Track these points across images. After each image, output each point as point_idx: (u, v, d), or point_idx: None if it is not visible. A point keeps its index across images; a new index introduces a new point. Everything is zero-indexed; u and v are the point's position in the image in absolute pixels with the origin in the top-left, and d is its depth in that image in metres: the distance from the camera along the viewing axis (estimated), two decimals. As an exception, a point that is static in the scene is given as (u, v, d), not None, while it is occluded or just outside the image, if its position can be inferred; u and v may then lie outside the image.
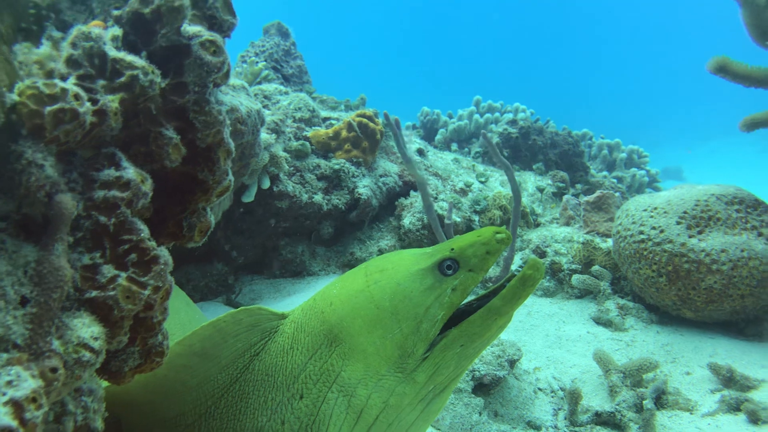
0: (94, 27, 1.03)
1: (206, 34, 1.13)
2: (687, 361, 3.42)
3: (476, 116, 7.66)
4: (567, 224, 4.82)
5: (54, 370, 0.89)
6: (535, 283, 1.47)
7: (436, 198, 4.86)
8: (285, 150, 4.27)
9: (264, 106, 4.57)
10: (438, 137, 7.47)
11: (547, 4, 57.01)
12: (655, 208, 3.78)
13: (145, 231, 1.04)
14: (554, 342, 3.72)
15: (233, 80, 3.12)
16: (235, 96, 2.92)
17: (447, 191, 5.06)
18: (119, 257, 1.01)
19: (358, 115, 4.64)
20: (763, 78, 3.63)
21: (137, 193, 1.03)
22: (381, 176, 4.80)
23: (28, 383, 0.83)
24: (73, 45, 0.99)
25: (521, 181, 5.97)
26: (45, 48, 1.03)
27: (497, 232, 1.49)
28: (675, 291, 3.61)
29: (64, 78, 0.99)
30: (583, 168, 7.17)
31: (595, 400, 3.15)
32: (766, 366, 3.25)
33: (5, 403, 0.79)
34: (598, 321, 3.92)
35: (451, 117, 8.00)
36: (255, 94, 4.63)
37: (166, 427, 1.48)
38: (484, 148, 6.79)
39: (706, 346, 3.54)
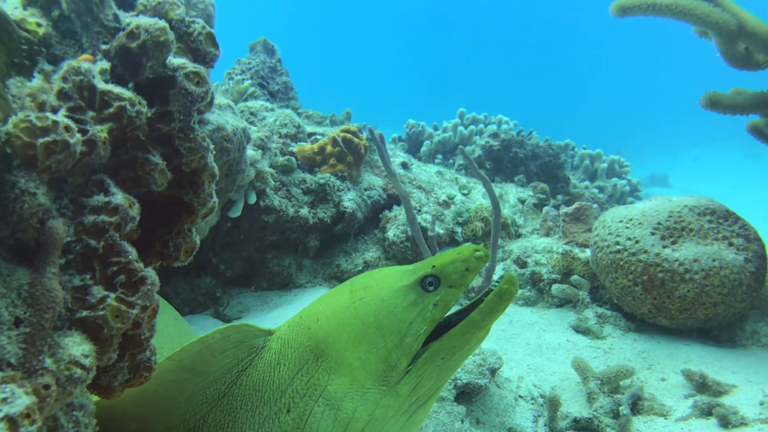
0: (84, 61, 1.08)
1: (190, 66, 1.18)
2: (662, 368, 3.48)
3: (460, 128, 7.74)
4: (547, 235, 4.89)
5: (47, 387, 0.93)
6: (511, 297, 1.52)
7: (419, 210, 4.92)
8: (271, 165, 4.31)
9: (250, 123, 4.61)
10: (423, 149, 7.53)
11: (534, 14, 57.23)
12: (631, 220, 3.86)
13: (132, 253, 1.08)
14: (535, 350, 3.77)
15: (219, 99, 3.16)
16: (222, 115, 2.97)
17: (430, 204, 5.12)
18: (108, 278, 1.05)
19: (343, 131, 4.69)
20: (748, 104, 3.72)
21: (125, 218, 1.08)
22: (366, 190, 4.86)
23: (22, 400, 0.87)
24: (64, 79, 1.04)
25: (503, 192, 6.04)
26: (37, 81, 1.08)
27: (476, 250, 1.54)
28: (650, 300, 3.68)
29: (55, 110, 1.03)
30: (564, 179, 7.26)
31: (574, 407, 3.20)
32: (738, 371, 3.32)
33: (1, 419, 0.83)
34: (578, 329, 3.98)
35: (436, 129, 8.07)
36: (241, 111, 4.67)
37: None
38: (466, 162, 6.87)
39: (680, 352, 3.61)
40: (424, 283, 1.48)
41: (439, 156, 7.44)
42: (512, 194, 6.02)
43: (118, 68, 1.13)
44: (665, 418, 3.02)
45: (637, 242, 3.73)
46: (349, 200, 4.63)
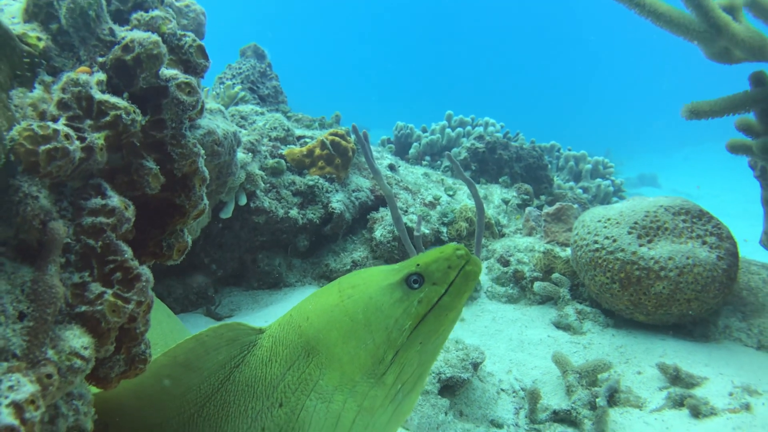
0: (82, 73, 1.13)
1: (182, 77, 1.24)
2: (639, 362, 3.57)
3: (448, 130, 7.81)
4: (529, 234, 4.97)
5: (49, 376, 0.98)
6: (476, 277, 1.58)
7: (406, 211, 4.98)
8: (261, 168, 4.36)
9: (240, 126, 4.66)
10: (412, 151, 7.59)
11: (527, 16, 57.15)
12: (609, 219, 3.94)
13: (128, 252, 1.14)
14: (517, 346, 3.85)
15: (210, 104, 3.21)
16: (212, 119, 3.02)
17: (417, 204, 5.18)
18: (106, 276, 1.11)
19: (331, 134, 4.75)
20: (728, 106, 3.79)
21: (121, 219, 1.14)
22: (354, 191, 4.92)
23: (26, 388, 0.92)
24: (63, 90, 1.10)
25: (488, 193, 6.11)
26: (37, 91, 1.13)
27: (457, 249, 1.59)
28: (627, 296, 3.76)
29: (55, 119, 1.09)
30: (548, 180, 7.34)
31: (554, 399, 3.28)
32: (710, 364, 3.40)
33: (8, 405, 0.88)
34: (558, 325, 4.06)
35: (425, 131, 8.13)
36: (232, 115, 4.72)
37: (153, 431, 1.56)
38: (452, 164, 6.95)
39: (656, 347, 3.69)
40: (409, 281, 1.53)
41: (427, 158, 7.50)
42: (497, 195, 6.10)
43: (114, 79, 1.19)
44: (640, 410, 3.10)
45: (614, 241, 3.81)
46: (337, 201, 4.69)
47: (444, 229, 4.96)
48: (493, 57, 57.48)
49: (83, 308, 1.08)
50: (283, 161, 4.54)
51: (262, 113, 4.93)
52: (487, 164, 6.95)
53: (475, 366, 3.22)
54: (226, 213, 3.97)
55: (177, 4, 2.74)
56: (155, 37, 1.18)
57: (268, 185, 4.43)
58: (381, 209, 4.92)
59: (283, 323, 1.60)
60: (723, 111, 3.85)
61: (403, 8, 60.24)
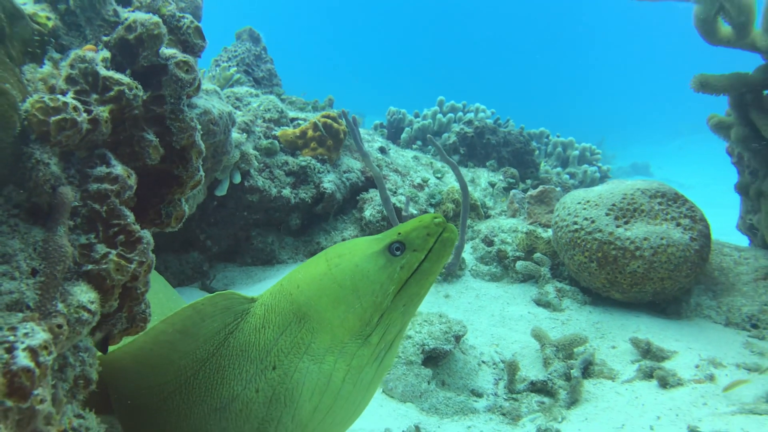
0: (88, 51, 1.20)
1: (180, 56, 1.31)
2: (613, 337, 3.68)
3: (439, 116, 7.86)
4: (513, 216, 5.06)
5: (59, 326, 1.06)
6: (453, 243, 1.67)
7: (395, 192, 5.06)
8: (255, 148, 4.43)
9: (235, 108, 4.71)
10: (404, 135, 7.64)
11: (525, 5, 56.60)
12: (588, 201, 4.03)
13: (131, 217, 1.22)
14: (499, 321, 3.95)
15: (207, 85, 3.27)
16: (209, 100, 3.08)
17: (406, 186, 5.26)
18: (110, 238, 1.19)
19: (323, 116, 4.81)
20: (729, 84, 3.88)
21: (124, 186, 1.21)
22: (345, 172, 4.99)
23: (40, 335, 1.00)
24: (72, 66, 1.17)
25: (475, 176, 6.19)
26: (47, 67, 1.20)
27: (435, 217, 1.68)
28: (604, 275, 3.87)
29: (64, 93, 1.16)
30: (534, 165, 7.43)
31: (532, 371, 3.39)
32: (680, 339, 3.52)
33: (24, 349, 0.96)
34: (539, 302, 4.16)
35: (417, 116, 8.17)
36: (227, 96, 4.77)
37: (152, 393, 1.63)
38: (442, 146, 7.02)
39: (631, 323, 3.80)
40: (392, 249, 1.61)
41: (419, 142, 7.56)
42: (483, 178, 6.18)
43: (118, 57, 1.26)
44: (613, 381, 3.21)
45: (593, 222, 3.91)
46: (328, 182, 4.76)
47: (431, 210, 5.04)
48: (490, 45, 56.75)
49: (90, 267, 1.16)
50: (276, 142, 4.60)
51: (257, 95, 4.98)
52: (476, 149, 7.03)
53: (457, 338, 3.32)
54: (221, 190, 4.04)
55: (175, -13, 2.78)
56: (156, 18, 1.25)
57: (261, 165, 4.49)
58: (371, 190, 5.00)
59: (275, 292, 1.67)
60: (730, 89, 3.95)
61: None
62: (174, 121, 1.33)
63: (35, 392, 0.97)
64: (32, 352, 0.98)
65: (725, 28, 3.87)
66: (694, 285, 4.01)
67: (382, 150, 5.79)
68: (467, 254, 4.71)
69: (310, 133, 4.71)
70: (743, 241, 4.97)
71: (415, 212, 4.85)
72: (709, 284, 4.07)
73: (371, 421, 2.77)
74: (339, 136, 4.86)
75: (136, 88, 1.23)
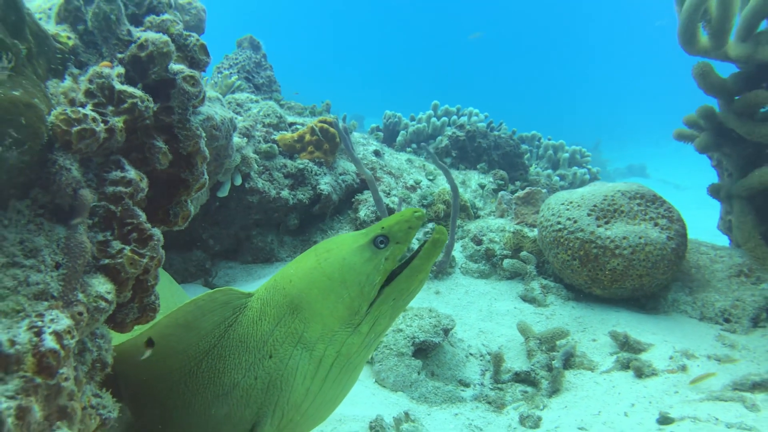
0: (105, 67, 1.30)
1: (187, 71, 1.41)
2: (594, 331, 3.78)
3: (433, 119, 7.94)
4: (501, 216, 5.17)
5: (80, 314, 1.16)
6: (443, 244, 1.74)
7: (388, 194, 5.16)
8: (255, 152, 4.52)
9: (236, 113, 4.81)
10: (399, 138, 7.73)
11: (524, 7, 56.19)
12: (571, 202, 4.14)
13: (143, 216, 1.32)
14: (486, 316, 4.05)
15: (209, 92, 3.37)
16: (211, 106, 3.18)
17: (399, 188, 5.36)
18: (124, 235, 1.29)
19: (320, 121, 4.91)
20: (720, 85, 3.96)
21: (137, 189, 1.31)
22: (341, 174, 5.09)
23: (64, 321, 1.10)
24: (90, 81, 1.27)
25: (466, 178, 6.29)
26: (68, 82, 1.30)
27: (415, 212, 1.75)
28: (586, 272, 3.98)
29: (83, 105, 1.26)
30: (523, 167, 7.54)
31: (517, 363, 3.49)
32: (657, 333, 3.62)
33: (50, 333, 1.06)
34: (525, 298, 4.26)
35: (413, 119, 8.25)
36: (228, 102, 4.86)
37: (159, 381, 1.72)
38: (435, 150, 7.12)
39: (611, 318, 3.91)
40: (376, 242, 1.69)
41: (413, 145, 7.65)
42: (474, 180, 6.28)
43: (131, 72, 1.36)
44: (592, 371, 3.32)
45: (575, 222, 4.01)
46: (325, 183, 4.86)
47: (423, 211, 5.15)
48: (489, 47, 56.18)
49: (106, 261, 1.26)
50: (275, 146, 4.70)
51: (257, 101, 5.08)
52: (467, 151, 7.13)
53: (446, 331, 3.42)
54: (223, 192, 4.13)
55: (180, 1, 2.89)
56: (165, 38, 1.35)
57: (261, 168, 4.59)
58: (365, 191, 5.10)
59: (269, 287, 1.76)
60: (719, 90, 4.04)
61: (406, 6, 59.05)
62: (181, 129, 1.43)
63: (60, 371, 1.07)
64: (57, 335, 1.08)
65: (703, 38, 3.98)
66: (671, 281, 4.12)
67: (376, 153, 5.89)
68: (457, 252, 4.81)
69: (307, 137, 4.81)
70: (725, 240, 5.07)
71: (407, 213, 4.95)
72: (686, 281, 4.18)
73: (364, 408, 2.87)
74: (335, 140, 4.96)
75: (148, 100, 1.33)
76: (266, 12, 56.11)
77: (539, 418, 2.87)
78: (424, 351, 3.36)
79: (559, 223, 4.09)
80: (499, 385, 3.29)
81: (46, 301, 1.13)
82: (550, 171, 8.45)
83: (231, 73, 5.67)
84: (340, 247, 1.73)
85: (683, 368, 3.10)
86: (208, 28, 3.66)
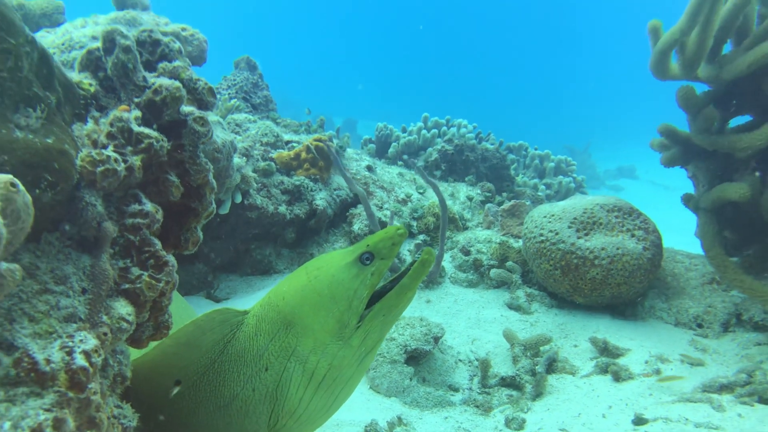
0: (123, 111, 1.42)
1: (197, 113, 1.52)
2: (576, 337, 3.90)
3: (424, 131, 8.05)
4: (488, 228, 5.29)
5: (105, 334, 1.27)
6: (431, 264, 1.82)
7: (381, 207, 5.28)
8: (254, 170, 4.63)
9: (235, 133, 4.92)
10: (391, 150, 7.83)
11: (513, 9, 55.49)
12: (553, 215, 4.27)
13: (158, 244, 1.43)
14: (474, 323, 4.16)
15: (211, 117, 3.47)
16: (213, 130, 3.28)
17: (391, 201, 5.48)
18: (143, 262, 1.40)
19: (315, 140, 5.03)
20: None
21: (153, 220, 1.42)
22: (335, 190, 5.20)
23: (91, 341, 1.21)
24: (111, 125, 1.38)
25: (455, 191, 6.41)
26: (90, 125, 1.41)
27: (398, 229, 1.82)
28: (568, 281, 4.10)
29: (105, 146, 1.37)
30: (509, 179, 7.66)
31: (503, 368, 3.60)
32: (634, 338, 3.74)
33: (80, 352, 1.17)
34: (511, 306, 4.37)
35: (404, 131, 8.35)
36: (228, 123, 4.97)
37: (162, 395, 1.79)
38: (426, 163, 7.25)
39: (591, 324, 4.03)
40: (362, 259, 1.76)
41: (405, 156, 7.76)
42: (463, 192, 6.40)
43: (147, 114, 1.47)
44: (573, 376, 3.43)
45: (557, 234, 4.14)
46: (320, 199, 4.97)
47: (414, 223, 5.27)
48: (476, 49, 54.74)
49: (127, 286, 1.36)
50: (273, 164, 4.81)
51: (255, 121, 5.19)
52: (456, 165, 7.26)
53: (436, 339, 3.53)
54: (224, 209, 4.24)
55: (183, 33, 2.99)
56: (177, 84, 1.47)
57: (259, 185, 4.70)
58: (359, 206, 5.20)
59: (264, 304, 1.84)
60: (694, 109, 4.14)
61: (391, 5, 57.94)
62: (192, 164, 1.54)
63: (89, 386, 1.17)
64: (86, 354, 1.18)
65: (674, 66, 4.11)
66: (648, 289, 4.25)
67: (369, 168, 6.00)
68: (447, 263, 4.92)
69: (303, 155, 4.93)
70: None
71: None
72: (663, 288, 4.31)
73: (360, 413, 2.98)
74: (330, 157, 5.07)
75: (162, 140, 1.44)
76: (259, 15, 55.38)
77: (523, 420, 2.98)
78: (415, 358, 3.46)
79: (541, 234, 4.21)
80: (487, 390, 3.40)
81: (74, 323, 1.24)
82: (536, 180, 8.58)
83: (230, 94, 5.79)
84: (329, 264, 1.80)
85: (657, 372, 3.22)
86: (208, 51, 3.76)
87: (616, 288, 3.99)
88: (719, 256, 3.72)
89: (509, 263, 4.62)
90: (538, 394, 3.27)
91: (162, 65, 1.54)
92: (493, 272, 4.62)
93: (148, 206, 1.42)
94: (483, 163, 7.43)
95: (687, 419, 2.63)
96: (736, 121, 4.27)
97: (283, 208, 4.75)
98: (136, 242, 1.39)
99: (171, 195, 1.52)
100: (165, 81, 1.47)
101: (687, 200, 4.31)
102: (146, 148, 1.42)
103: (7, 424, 1.05)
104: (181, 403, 1.80)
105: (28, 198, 0.96)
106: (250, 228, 4.72)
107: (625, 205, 4.26)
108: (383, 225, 4.80)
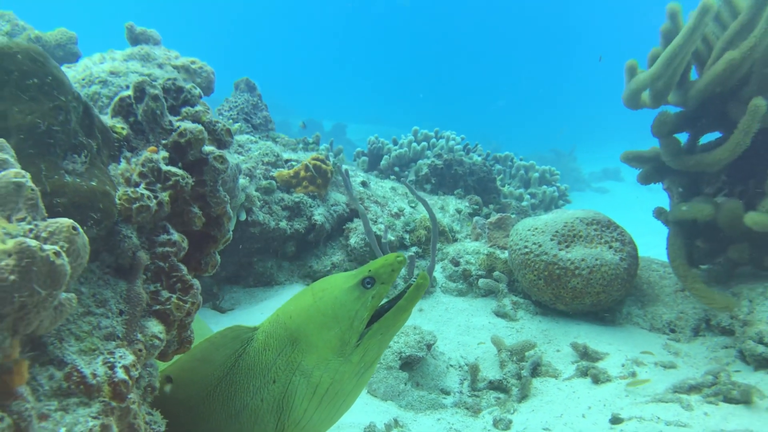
0: (152, 153, 1.55)
1: (217, 152, 1.66)
2: (558, 342, 4.04)
3: (414, 144, 8.20)
4: (476, 239, 5.44)
5: (140, 350, 1.40)
6: (425, 288, 1.95)
7: (375, 221, 5.41)
8: (257, 189, 4.77)
9: (239, 153, 5.06)
10: (383, 162, 7.96)
11: (498, 13, 54.45)
12: (536, 228, 4.42)
13: (185, 269, 1.56)
14: (464, 330, 4.29)
15: (228, 156, 3.61)
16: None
17: (384, 215, 5.62)
18: (171, 286, 1.53)
19: (313, 159, 5.17)
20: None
21: (179, 248, 1.56)
22: (332, 205, 5.34)
23: (129, 357, 1.34)
24: (143, 165, 1.52)
25: (444, 204, 6.56)
26: (123, 165, 1.55)
27: (397, 257, 1.94)
28: (550, 290, 4.25)
29: (137, 184, 1.51)
30: (496, 191, 7.82)
31: (491, 372, 3.73)
32: (612, 343, 3.89)
33: (121, 367, 1.30)
34: (498, 314, 4.51)
35: (395, 143, 8.49)
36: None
37: (180, 405, 1.90)
38: (417, 177, 7.41)
39: (573, 330, 4.18)
40: (364, 283, 1.87)
41: (397, 168, 7.90)
42: (452, 205, 6.55)
43: (173, 154, 1.60)
44: (556, 379, 3.57)
45: (540, 246, 4.29)
46: (319, 214, 5.10)
47: (407, 236, 5.41)
48: (463, 52, 52.60)
49: (158, 307, 1.50)
50: (274, 182, 4.94)
51: (256, 141, 5.33)
52: (445, 178, 7.41)
53: (429, 346, 3.66)
54: (230, 227, 4.36)
55: (193, 66, 3.14)
56: (200, 127, 1.61)
57: (261, 202, 4.83)
58: (355, 220, 5.34)
59: (272, 321, 1.95)
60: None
61: (383, 12, 57.08)
62: (212, 198, 1.68)
63: (129, 396, 1.30)
64: (126, 369, 1.31)
65: (645, 96, 4.29)
66: (625, 297, 4.40)
67: (363, 184, 6.14)
68: (438, 273, 5.06)
69: (302, 173, 5.06)
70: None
71: (392, 238, 5.21)
72: (639, 296, 4.46)
73: (359, 416, 3.10)
74: (327, 175, 5.21)
75: (187, 177, 1.58)
76: (246, 17, 53.65)
77: (510, 421, 3.11)
78: (410, 364, 3.59)
79: (526, 247, 4.36)
80: (476, 393, 3.53)
81: (114, 341, 1.37)
82: (522, 190, 8.73)
83: (231, 115, 5.93)
84: (333, 287, 1.91)
85: (633, 374, 3.37)
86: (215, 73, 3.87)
87: (596, 296, 4.14)
88: (681, 266, 3.89)
89: (496, 273, 4.76)
90: (523, 397, 3.41)
91: (185, 110, 1.68)
92: (482, 282, 4.76)
93: (175, 236, 1.55)
94: (471, 176, 7.58)
95: (659, 418, 2.77)
96: (707, 137, 4.46)
97: (283, 224, 4.88)
98: (165, 268, 1.52)
99: (194, 225, 1.66)
100: (189, 125, 1.61)
101: (659, 214, 4.47)
102: (173, 184, 1.55)
103: (63, 430, 1.18)
104: (196, 413, 1.90)
105: (86, 238, 1.10)
106: (253, 242, 4.85)
107: (603, 219, 4.42)
108: (378, 238, 4.94)
